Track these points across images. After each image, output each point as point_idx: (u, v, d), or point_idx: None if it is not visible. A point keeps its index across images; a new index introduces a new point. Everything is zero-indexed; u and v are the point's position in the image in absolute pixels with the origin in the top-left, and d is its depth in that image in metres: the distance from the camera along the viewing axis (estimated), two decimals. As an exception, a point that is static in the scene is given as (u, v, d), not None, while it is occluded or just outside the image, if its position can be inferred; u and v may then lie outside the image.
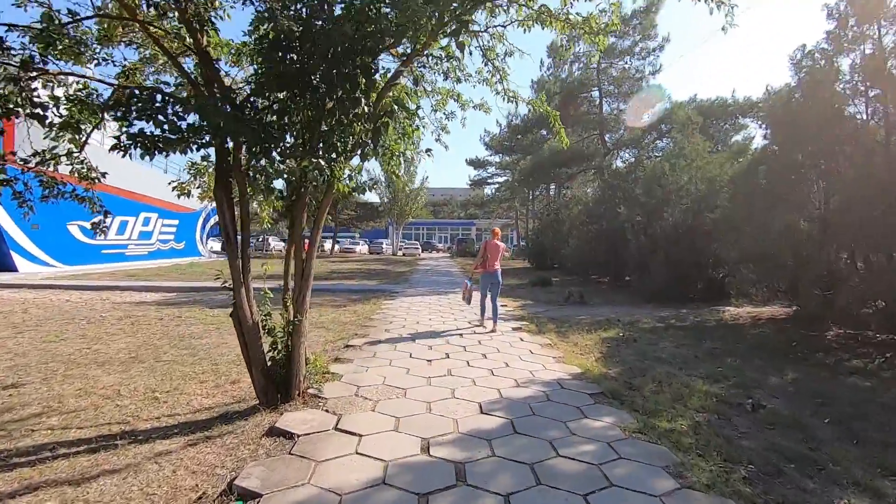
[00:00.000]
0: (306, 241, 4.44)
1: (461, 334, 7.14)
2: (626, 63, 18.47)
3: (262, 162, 3.54)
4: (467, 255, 40.20)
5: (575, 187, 24.60)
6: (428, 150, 5.07)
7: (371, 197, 59.33)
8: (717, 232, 9.61)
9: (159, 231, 26.61)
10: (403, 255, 42.95)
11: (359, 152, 3.84)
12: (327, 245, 46.65)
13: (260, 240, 48.20)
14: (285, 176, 3.88)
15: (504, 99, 5.10)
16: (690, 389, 4.82)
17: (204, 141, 3.46)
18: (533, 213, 37.64)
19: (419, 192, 43.17)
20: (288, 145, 3.70)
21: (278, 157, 3.67)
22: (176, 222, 28.46)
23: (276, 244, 47.42)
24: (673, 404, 4.38)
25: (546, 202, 28.78)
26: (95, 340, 6.57)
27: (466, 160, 40.88)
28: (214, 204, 4.02)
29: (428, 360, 5.57)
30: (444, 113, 5.83)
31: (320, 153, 3.65)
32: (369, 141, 3.77)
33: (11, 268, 16.63)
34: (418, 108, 4.81)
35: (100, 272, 18.15)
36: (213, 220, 35.16)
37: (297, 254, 4.26)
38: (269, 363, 4.14)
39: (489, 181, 43.56)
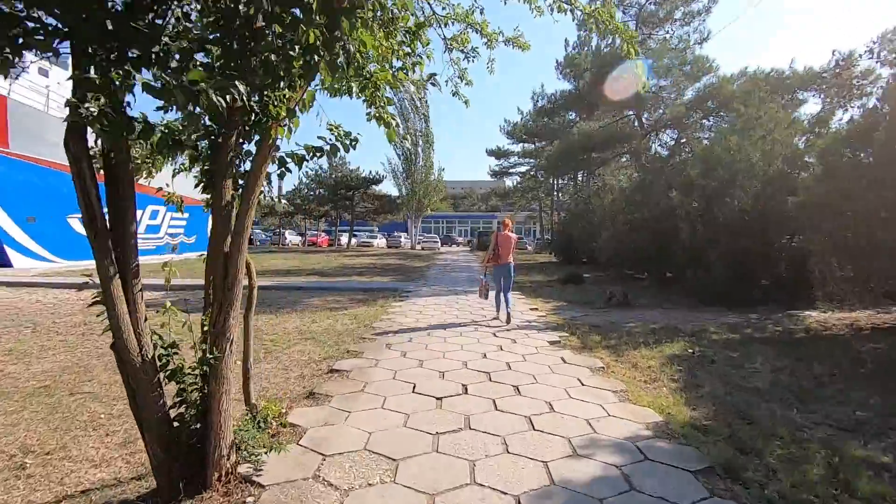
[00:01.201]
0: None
1: (484, 353, 5.48)
2: (668, 31, 16.42)
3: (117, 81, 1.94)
4: (488, 248, 38.44)
5: (607, 174, 22.64)
6: (432, 77, 3.43)
7: (389, 188, 58.09)
8: (801, 218, 7.71)
9: (168, 224, 25.66)
10: (422, 249, 41.45)
11: (305, 69, 2.24)
12: (344, 239, 45.54)
13: (276, 233, 47.43)
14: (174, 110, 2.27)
15: (553, 10, 3.42)
16: (842, 458, 3.09)
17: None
18: (558, 204, 35.66)
19: (438, 183, 41.54)
20: (174, 52, 2.09)
21: (149, 71, 2.06)
22: (186, 216, 27.43)
23: (293, 238, 46.57)
24: (832, 492, 2.68)
25: (574, 191, 26.83)
26: (19, 357, 5.17)
27: (487, 150, 39.16)
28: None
29: (437, 399, 3.95)
30: (463, 51, 4.17)
31: (235, 70, 2.07)
32: (321, 50, 2.16)
33: (5, 263, 15.68)
34: (420, 27, 3.18)
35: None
36: (227, 213, 34.27)
37: (218, 248, 2.69)
38: (173, 424, 2.59)
39: (511, 171, 41.70)
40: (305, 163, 3.03)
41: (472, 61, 4.27)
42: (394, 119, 3.16)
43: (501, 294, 7.68)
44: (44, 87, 17.72)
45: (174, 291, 11.17)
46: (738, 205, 9.11)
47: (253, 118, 2.50)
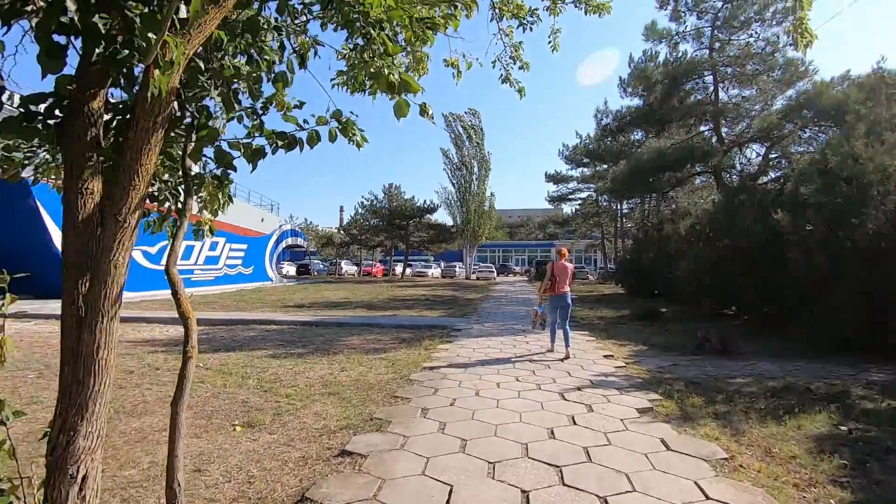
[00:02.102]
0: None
1: (551, 430, 4.04)
2: (752, 33, 14.56)
3: None
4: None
5: (680, 196, 20.47)
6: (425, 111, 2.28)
7: (444, 217, 57.72)
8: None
9: (227, 256, 26.11)
10: (477, 278, 40.12)
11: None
12: (398, 269, 45.17)
13: (333, 263, 47.97)
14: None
15: None
16: None
17: None
18: (622, 231, 33.32)
19: (492, 211, 40.39)
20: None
21: None
22: (244, 247, 27.97)
23: (348, 268, 46.86)
24: None
25: (642, 216, 24.67)
26: None
27: (546, 174, 37.70)
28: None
29: (484, 519, 2.62)
30: (518, 17, 3.01)
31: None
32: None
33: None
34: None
35: (159, 299, 17.22)
36: (284, 243, 34.85)
37: (69, 300, 1.58)
38: None
39: (570, 197, 39.86)
40: (271, 155, 1.94)
41: (530, 29, 3.11)
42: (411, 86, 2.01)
43: (558, 326, 7.41)
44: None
45: (209, 326, 10.59)
46: (871, 228, 7.17)
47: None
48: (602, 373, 6.15)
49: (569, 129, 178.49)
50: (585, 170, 34.46)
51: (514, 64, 3.35)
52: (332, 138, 2.16)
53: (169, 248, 2.56)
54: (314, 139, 2.11)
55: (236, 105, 2.12)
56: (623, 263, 23.67)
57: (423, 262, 50.84)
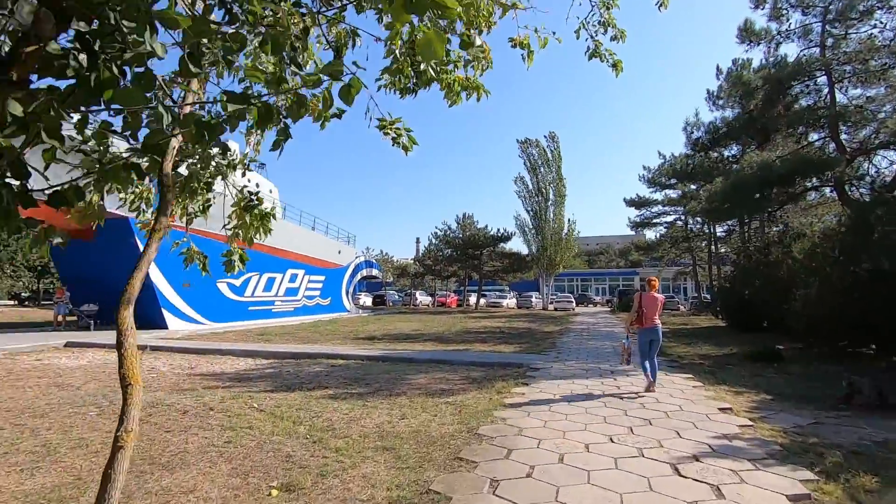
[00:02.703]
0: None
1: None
2: (876, 23, 12.43)
3: None
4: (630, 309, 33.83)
5: (790, 215, 17.89)
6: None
7: (518, 246, 56.44)
8: None
9: (305, 287, 26.88)
10: (555, 309, 38.20)
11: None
12: (472, 299, 44.34)
13: (407, 294, 48.25)
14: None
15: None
16: None
17: None
18: (718, 257, 30.12)
19: (570, 239, 38.61)
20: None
21: None
22: (322, 278, 28.72)
23: (422, 298, 46.84)
24: None
25: (742, 240, 22.02)
26: (22, 467, 4.13)
27: (625, 200, 35.46)
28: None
29: None
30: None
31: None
32: None
33: (162, 325, 17.02)
34: None
35: (242, 330, 17.80)
36: (360, 274, 35.49)
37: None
38: None
39: (654, 222, 37.08)
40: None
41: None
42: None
43: (647, 360, 7.00)
44: (205, 166, 19.90)
45: (277, 360, 10.40)
46: None
47: None
48: (722, 433, 4.85)
49: (646, 154, 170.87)
50: (671, 192, 31.92)
51: (604, 31, 2.55)
52: (327, 106, 1.47)
53: (129, 280, 2.01)
54: (297, 109, 1.44)
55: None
56: (722, 292, 21.09)
57: (497, 293, 49.65)
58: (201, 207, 3.22)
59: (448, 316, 28.79)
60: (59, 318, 16.42)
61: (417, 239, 39.47)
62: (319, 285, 28.49)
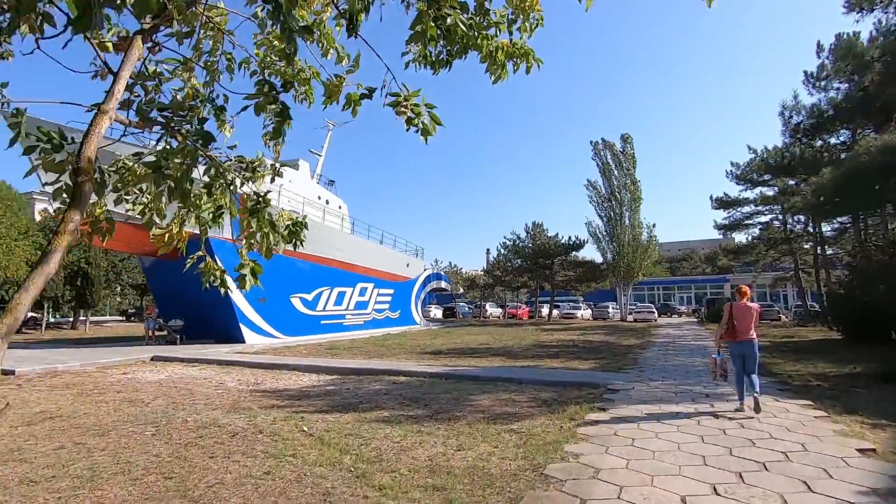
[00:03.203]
0: None
1: None
2: None
3: None
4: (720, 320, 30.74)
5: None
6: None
7: (592, 254, 53.93)
8: None
9: (375, 301, 27.14)
10: (634, 320, 35.72)
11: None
12: (544, 310, 42.78)
13: (477, 306, 47.57)
14: None
15: None
16: None
17: None
18: (823, 260, 26.52)
19: (649, 245, 36.06)
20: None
21: None
22: (391, 291, 28.90)
23: (493, 310, 45.94)
24: None
25: (859, 238, 19.08)
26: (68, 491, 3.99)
27: (712, 200, 32.48)
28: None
29: None
30: None
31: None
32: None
33: (240, 339, 17.72)
34: None
35: (313, 343, 18.13)
36: (429, 286, 35.43)
37: None
38: None
39: (745, 223, 33.61)
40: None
41: None
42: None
43: (745, 377, 6.34)
44: (276, 185, 20.73)
45: (340, 376, 10.18)
46: None
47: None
48: (870, 487, 3.72)
49: (733, 150, 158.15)
50: (765, 189, 28.73)
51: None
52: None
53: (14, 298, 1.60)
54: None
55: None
56: (834, 300, 18.33)
57: (571, 303, 47.59)
58: (211, 215, 2.84)
59: (519, 328, 27.77)
60: (150, 332, 17.61)
61: (487, 250, 38.95)
62: (388, 298, 28.68)
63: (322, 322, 22.40)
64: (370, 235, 27.42)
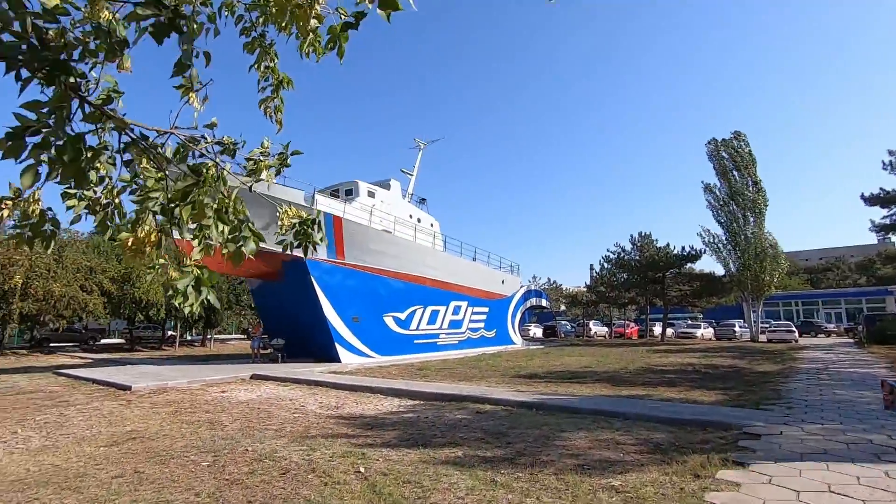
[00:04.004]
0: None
1: None
2: None
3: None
4: (890, 339, 25.30)
5: None
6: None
7: (711, 265, 48.18)
8: None
9: (469, 319, 26.40)
10: (768, 340, 30.78)
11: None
12: (656, 329, 38.84)
13: (580, 324, 44.68)
14: None
15: None
16: None
17: None
18: None
19: (778, 255, 31.02)
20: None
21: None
22: (486, 309, 28.00)
23: (597, 329, 42.84)
24: None
25: None
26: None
27: (864, 197, 27.21)
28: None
29: None
30: None
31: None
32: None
33: (335, 359, 17.95)
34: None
35: (404, 363, 17.85)
36: (526, 304, 33.96)
37: None
38: None
39: (914, 222, 27.53)
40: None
41: None
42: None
43: None
44: (369, 206, 21.08)
45: (423, 402, 9.44)
46: None
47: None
48: None
49: (861, 143, 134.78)
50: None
51: None
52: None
53: None
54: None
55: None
56: None
57: (688, 321, 42.77)
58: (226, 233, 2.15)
59: (627, 349, 25.18)
60: (256, 351, 18.54)
61: (591, 265, 36.41)
62: (483, 317, 27.78)
63: (416, 341, 22.13)
64: (463, 252, 26.93)
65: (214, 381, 12.75)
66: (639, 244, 35.57)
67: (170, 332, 34.27)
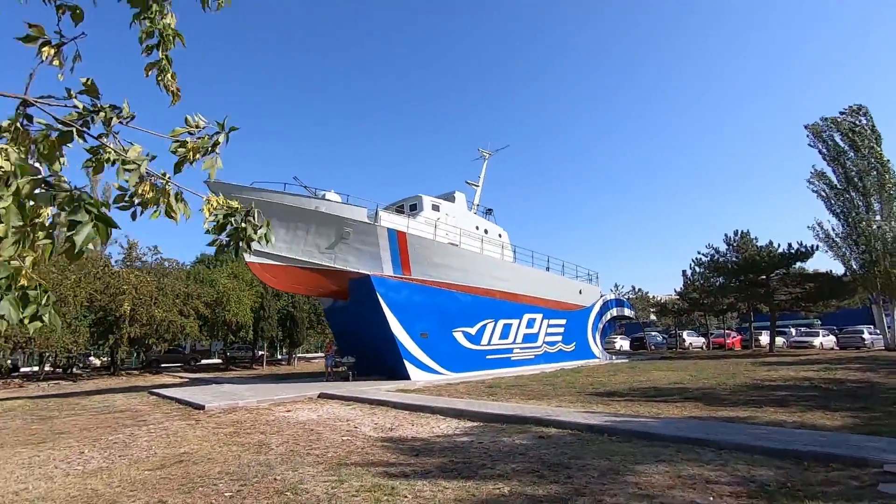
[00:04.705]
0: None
1: None
2: None
3: None
4: None
5: None
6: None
7: (826, 263, 42.23)
8: None
9: (545, 333, 25.03)
10: (910, 349, 25.94)
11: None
12: (763, 338, 34.48)
13: (671, 335, 40.97)
14: None
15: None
16: None
17: None
18: None
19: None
20: None
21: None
22: (563, 322, 26.45)
23: (692, 340, 38.95)
24: None
25: None
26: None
27: None
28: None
29: None
30: None
31: None
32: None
33: (405, 376, 17.62)
34: None
35: (475, 380, 17.12)
36: (608, 314, 31.78)
37: None
38: None
39: None
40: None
41: None
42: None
43: None
44: (434, 220, 20.78)
45: (482, 423, 8.63)
46: None
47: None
48: None
49: None
50: None
51: None
52: None
53: None
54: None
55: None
56: None
57: (803, 328, 37.55)
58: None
59: (727, 362, 22.38)
60: (329, 369, 18.76)
61: (683, 271, 33.17)
62: (560, 329, 26.22)
63: (488, 357, 21.25)
64: (534, 262, 25.74)
65: (283, 399, 12.85)
66: (735, 244, 31.95)
67: (260, 352, 36.31)
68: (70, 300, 22.87)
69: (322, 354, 44.27)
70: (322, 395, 13.61)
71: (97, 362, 33.83)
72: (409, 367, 17.82)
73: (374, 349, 18.96)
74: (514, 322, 23.02)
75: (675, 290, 38.68)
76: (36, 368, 27.94)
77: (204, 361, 38.08)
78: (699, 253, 34.17)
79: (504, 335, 22.35)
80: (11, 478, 6.04)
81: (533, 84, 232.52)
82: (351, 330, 20.22)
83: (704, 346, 38.60)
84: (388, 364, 18.37)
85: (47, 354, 25.76)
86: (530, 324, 24.06)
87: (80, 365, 29.96)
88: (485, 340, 21.21)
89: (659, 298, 45.70)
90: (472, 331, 20.69)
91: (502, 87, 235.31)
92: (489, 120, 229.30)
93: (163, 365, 33.93)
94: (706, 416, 8.44)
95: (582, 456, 5.91)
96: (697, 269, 34.57)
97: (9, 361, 25.34)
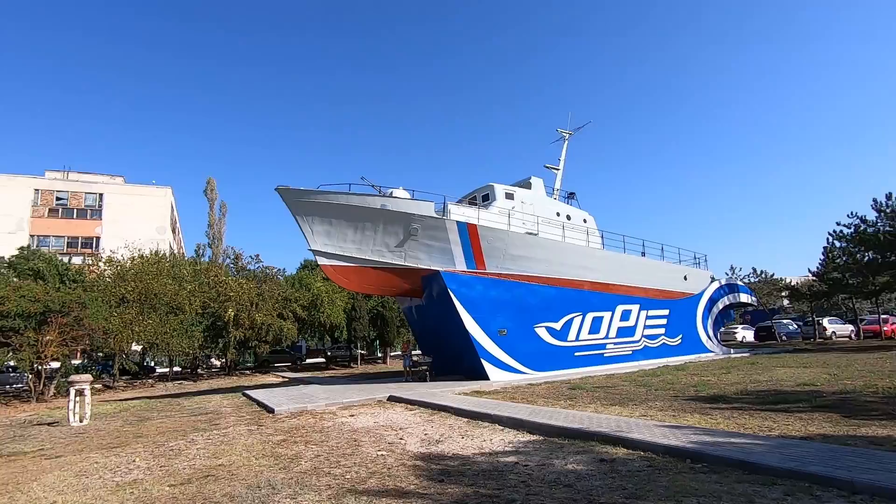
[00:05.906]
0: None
1: None
2: None
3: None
4: None
5: None
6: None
7: None
8: None
9: (644, 325, 22.50)
10: None
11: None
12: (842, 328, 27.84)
13: (807, 323, 34.96)
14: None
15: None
16: None
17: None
18: None
19: None
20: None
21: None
22: (665, 312, 23.62)
23: (835, 328, 32.93)
24: None
25: None
26: None
27: None
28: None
29: None
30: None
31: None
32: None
33: (483, 376, 16.71)
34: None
35: (558, 380, 15.73)
36: (722, 302, 27.92)
37: None
38: None
39: None
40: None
41: None
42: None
43: None
44: (507, 209, 19.53)
45: (540, 437, 7.41)
46: None
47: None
48: None
49: None
50: None
51: None
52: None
53: None
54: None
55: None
56: None
57: None
58: None
59: (882, 355, 18.19)
60: (408, 369, 18.46)
61: (824, 248, 27.74)
62: (663, 321, 23.42)
63: (576, 354, 19.51)
64: (627, 248, 23.25)
65: (350, 403, 12.63)
66: (889, 210, 26.21)
67: (360, 351, 37.70)
68: (186, 308, 25.33)
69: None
70: (391, 398, 13.19)
71: (217, 363, 37.56)
72: (488, 366, 16.85)
73: (452, 348, 18.29)
74: (606, 315, 20.94)
75: (809, 270, 32.95)
76: (166, 370, 31.70)
77: (309, 361, 40.57)
78: (839, 224, 28.64)
79: (594, 329, 20.39)
80: (56, 487, 6.17)
81: (619, 41, 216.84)
82: (428, 329, 19.77)
83: (852, 335, 32.41)
84: (467, 363, 17.57)
85: (174, 358, 28.99)
86: (625, 316, 21.75)
87: (204, 366, 33.41)
88: (572, 336, 19.50)
89: (789, 281, 39.41)
90: (557, 326, 19.11)
91: (580, 57, 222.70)
92: (568, 96, 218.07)
93: (274, 365, 36.65)
94: (841, 434, 6.39)
95: (643, 495, 4.52)
96: (837, 243, 29.03)
97: (145, 363, 28.98)
